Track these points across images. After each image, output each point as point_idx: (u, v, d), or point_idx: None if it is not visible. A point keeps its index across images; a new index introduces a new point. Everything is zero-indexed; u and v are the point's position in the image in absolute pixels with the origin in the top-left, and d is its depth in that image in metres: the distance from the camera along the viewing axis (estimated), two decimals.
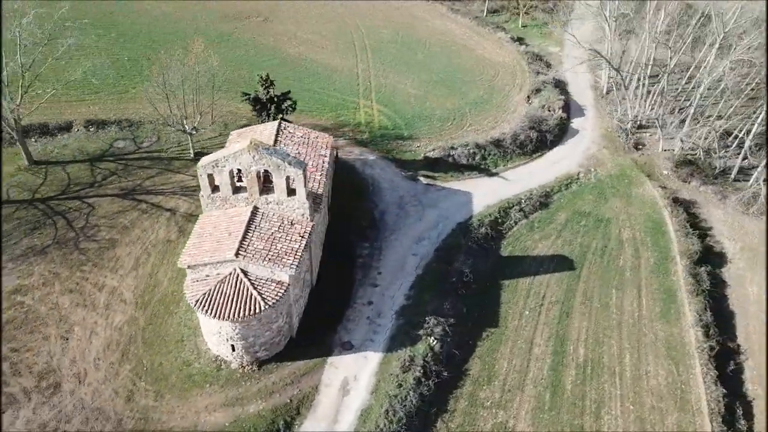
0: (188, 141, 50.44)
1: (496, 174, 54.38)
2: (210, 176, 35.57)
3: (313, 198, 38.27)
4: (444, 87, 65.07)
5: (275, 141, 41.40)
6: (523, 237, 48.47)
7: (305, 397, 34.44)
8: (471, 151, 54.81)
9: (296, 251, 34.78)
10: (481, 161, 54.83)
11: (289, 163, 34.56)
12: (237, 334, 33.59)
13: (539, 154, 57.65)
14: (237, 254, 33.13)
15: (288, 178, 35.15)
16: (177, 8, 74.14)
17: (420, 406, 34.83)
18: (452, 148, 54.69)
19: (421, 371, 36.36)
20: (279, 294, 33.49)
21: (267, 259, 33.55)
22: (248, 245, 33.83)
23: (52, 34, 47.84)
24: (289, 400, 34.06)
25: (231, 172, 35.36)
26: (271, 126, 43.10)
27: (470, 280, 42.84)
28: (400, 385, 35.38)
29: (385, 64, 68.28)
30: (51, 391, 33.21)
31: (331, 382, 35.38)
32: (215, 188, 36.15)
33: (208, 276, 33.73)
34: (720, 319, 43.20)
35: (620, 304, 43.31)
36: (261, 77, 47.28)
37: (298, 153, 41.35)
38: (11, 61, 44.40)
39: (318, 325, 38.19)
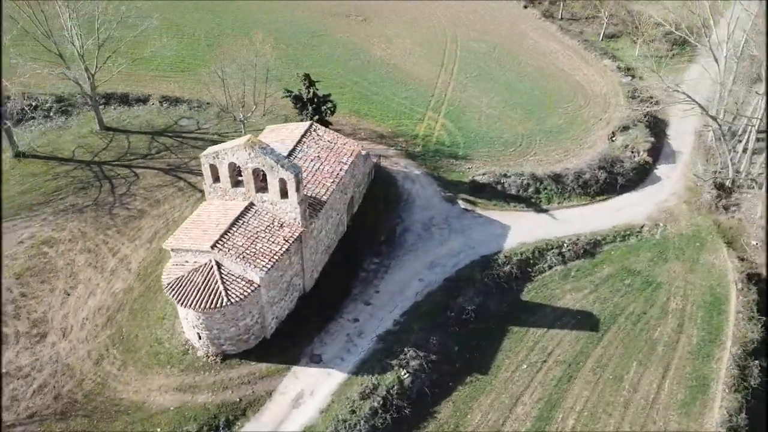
0: (242, 129, 52.10)
1: (545, 211, 50.39)
2: (212, 167, 36.34)
3: (312, 204, 37.80)
4: (522, 110, 61.45)
5: (299, 141, 41.41)
6: (553, 284, 44.51)
7: (256, 400, 34.24)
8: (524, 181, 51.24)
9: (274, 254, 34.57)
10: (533, 194, 51.05)
11: (282, 166, 34.35)
12: (201, 324, 34.16)
13: (604, 197, 52.53)
14: (213, 246, 33.59)
15: (282, 180, 34.93)
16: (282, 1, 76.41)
17: None
18: (504, 175, 51.48)
19: (381, 402, 34.69)
20: (246, 293, 33.51)
21: (241, 256, 33.68)
22: (228, 240, 34.17)
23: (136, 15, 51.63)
24: (238, 399, 34.06)
25: (231, 165, 35.86)
26: (302, 126, 43.22)
27: (470, 318, 40.14)
28: (354, 412, 34.01)
29: (469, 77, 65.88)
30: (37, 339, 35.96)
31: (287, 392, 34.86)
32: (217, 179, 36.89)
33: (186, 262, 34.58)
34: (757, 425, 36.75)
35: (637, 380, 38.35)
36: (301, 75, 47.53)
37: (318, 157, 41.07)
38: (90, 37, 48.30)
39: (296, 332, 37.79)
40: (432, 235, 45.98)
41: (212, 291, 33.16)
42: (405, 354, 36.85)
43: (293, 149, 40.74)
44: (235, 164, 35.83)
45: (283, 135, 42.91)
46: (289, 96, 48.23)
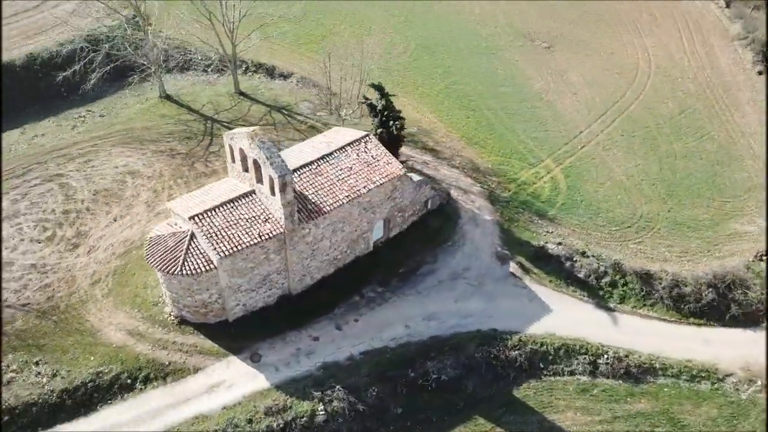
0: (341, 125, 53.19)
1: (609, 309, 42.20)
2: (230, 147, 38.14)
3: (310, 210, 37.35)
4: (663, 190, 51.51)
5: (341, 148, 40.93)
6: (562, 392, 37.61)
7: (181, 370, 35.65)
8: (602, 268, 43.45)
9: (241, 244, 35.22)
10: (606, 287, 43.04)
11: (272, 164, 34.54)
12: (163, 284, 36.60)
13: (699, 321, 41.97)
14: (191, 218, 35.53)
15: (270, 177, 35.20)
16: (485, 14, 73.85)
17: None
18: (582, 253, 44.28)
19: (281, 426, 33.46)
20: (200, 270, 34.87)
21: (209, 235, 35.05)
22: (208, 217, 35.72)
23: None
24: (167, 363, 35.85)
25: (241, 150, 37.20)
26: (356, 135, 42.50)
27: (430, 387, 35.99)
28: (250, 422, 33.47)
29: (625, 136, 57.14)
30: (70, 248, 42.10)
31: (211, 375, 35.59)
32: (234, 159, 38.63)
33: (175, 224, 37.19)
34: None
35: None
36: (372, 85, 46.26)
37: (350, 168, 40.17)
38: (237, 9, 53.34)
39: (257, 327, 38.09)
40: (454, 286, 41.83)
41: (173, 257, 35.17)
42: (333, 391, 34.66)
43: (329, 154, 40.43)
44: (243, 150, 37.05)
45: (333, 137, 42.82)
46: (365, 102, 47.54)
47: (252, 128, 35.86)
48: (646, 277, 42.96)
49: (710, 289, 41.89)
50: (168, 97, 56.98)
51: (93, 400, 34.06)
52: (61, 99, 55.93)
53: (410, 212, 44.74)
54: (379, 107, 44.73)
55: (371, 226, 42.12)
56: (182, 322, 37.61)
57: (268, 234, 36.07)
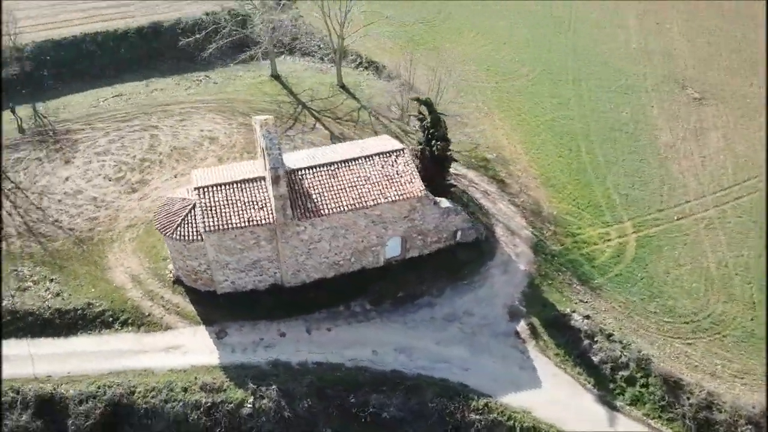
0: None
1: (611, 406, 36.17)
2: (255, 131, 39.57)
3: (306, 208, 37.40)
4: (763, 293, 42.27)
5: (368, 156, 40.18)
6: None
7: (154, 324, 38.20)
8: (624, 359, 37.44)
9: (227, 224, 36.53)
10: (621, 381, 36.96)
11: (268, 155, 35.24)
12: (164, 242, 39.48)
13: None
14: (196, 188, 37.75)
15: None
16: (641, 52, 66.18)
17: None
18: (608, 335, 38.58)
19: (208, 404, 34.43)
20: (189, 238, 36.98)
21: (203, 208, 36.92)
22: (212, 191, 37.58)
23: None
24: (147, 314, 38.71)
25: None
26: (393, 146, 41.31)
27: (364, 419, 34.28)
28: (185, 390, 34.92)
29: (745, 218, 47.72)
30: (130, 191, 47.12)
31: (175, 337, 37.58)
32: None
33: (189, 192, 39.78)
34: None
35: None
36: (418, 99, 43.78)
37: (368, 178, 39.26)
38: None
39: (239, 307, 39.22)
40: (445, 327, 38.96)
41: (172, 220, 37.71)
42: (268, 389, 34.64)
43: (354, 159, 39.94)
44: None
45: (371, 144, 42.18)
46: (415, 116, 45.42)
47: (266, 117, 36.69)
48: (674, 386, 35.90)
49: (750, 426, 33.55)
50: (277, 77, 60.39)
51: (77, 325, 38.06)
52: (190, 61, 61.83)
53: (434, 238, 42.37)
54: (426, 123, 42.67)
55: (382, 240, 40.75)
56: (177, 281, 40.15)
57: (257, 221, 36.82)
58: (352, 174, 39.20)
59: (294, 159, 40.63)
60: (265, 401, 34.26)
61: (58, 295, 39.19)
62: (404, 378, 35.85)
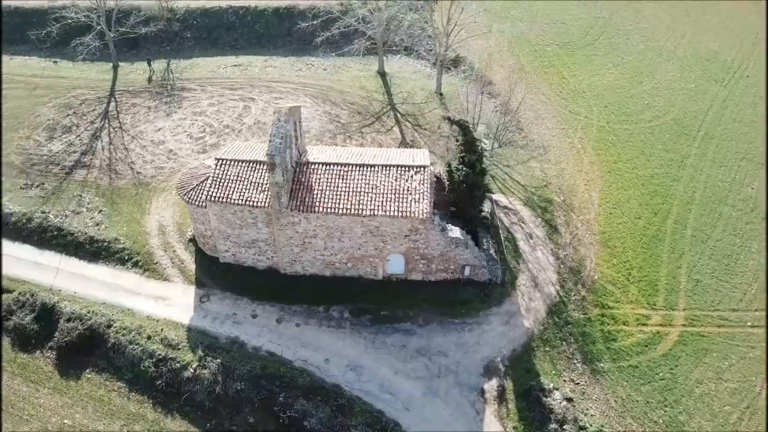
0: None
1: None
2: None
3: (301, 200, 37.68)
4: None
5: (386, 165, 38.96)
6: None
7: (157, 273, 41.58)
8: None
9: (227, 198, 38.20)
10: None
11: (270, 142, 36.07)
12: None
13: None
14: (216, 159, 40.08)
15: None
16: None
17: None
18: (583, 428, 33.27)
19: (160, 357, 36.74)
20: (197, 203, 39.48)
21: (215, 178, 39.05)
22: (227, 165, 39.42)
23: None
24: (156, 261, 42.18)
25: None
26: (420, 161, 39.38)
27: (282, 420, 33.94)
28: (149, 338, 37.63)
29: None
30: (195, 146, 51.50)
31: (166, 289, 40.49)
32: None
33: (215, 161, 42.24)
34: None
35: None
36: (449, 119, 40.33)
37: (375, 187, 38.16)
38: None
39: (233, 279, 40.94)
40: (411, 360, 36.65)
41: (188, 183, 40.50)
42: (213, 361, 35.90)
43: (372, 165, 38.98)
44: None
45: (400, 155, 40.72)
46: (455, 139, 41.79)
47: (288, 105, 37.40)
48: None
49: None
50: (383, 75, 60.86)
51: (99, 255, 42.87)
52: (310, 45, 64.40)
53: (440, 266, 39.93)
54: (459, 143, 39.91)
55: (380, 254, 39.46)
56: (192, 241, 43.09)
57: (253, 202, 37.94)
58: (361, 180, 38.37)
59: (318, 152, 40.95)
60: (205, 372, 35.49)
61: (97, 224, 44.36)
62: (340, 395, 34.57)
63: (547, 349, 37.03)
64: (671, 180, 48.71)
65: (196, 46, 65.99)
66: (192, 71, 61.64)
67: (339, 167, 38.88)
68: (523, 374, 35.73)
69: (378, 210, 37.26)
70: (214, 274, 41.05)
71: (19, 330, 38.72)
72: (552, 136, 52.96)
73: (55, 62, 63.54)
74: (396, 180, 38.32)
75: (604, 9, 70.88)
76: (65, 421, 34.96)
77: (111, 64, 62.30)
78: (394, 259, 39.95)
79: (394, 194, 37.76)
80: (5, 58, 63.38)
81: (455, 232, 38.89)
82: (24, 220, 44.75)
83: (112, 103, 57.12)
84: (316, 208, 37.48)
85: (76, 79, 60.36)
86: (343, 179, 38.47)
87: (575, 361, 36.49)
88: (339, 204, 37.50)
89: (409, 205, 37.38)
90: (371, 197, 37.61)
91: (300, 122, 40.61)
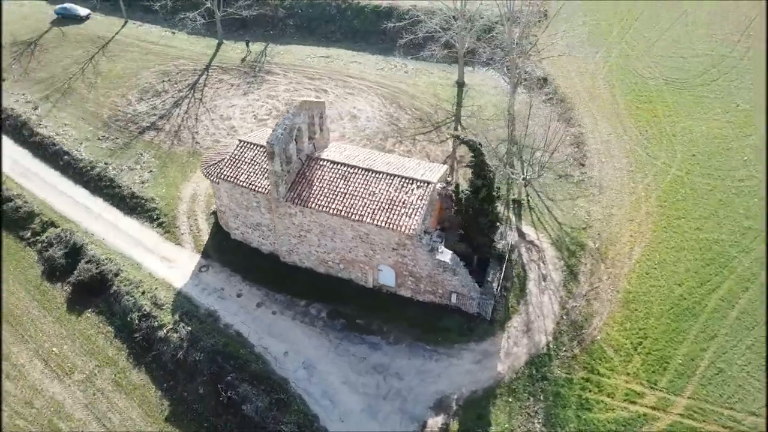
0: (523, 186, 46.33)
1: None
2: None
3: (298, 193, 38.26)
4: None
5: (394, 176, 38.16)
6: None
7: (174, 236, 44.56)
8: None
9: (237, 180, 39.87)
10: None
11: (273, 131, 36.99)
12: None
13: None
14: (239, 140, 41.97)
15: None
16: None
17: None
18: None
19: (144, 313, 39.48)
20: (213, 178, 41.72)
21: (231, 158, 41.00)
22: (248, 149, 41.06)
23: None
24: (177, 226, 45.18)
25: None
26: (428, 176, 38.08)
27: (222, 399, 34.92)
28: (143, 293, 40.58)
29: None
30: (250, 125, 53.99)
31: (177, 254, 43.34)
32: None
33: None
34: None
35: None
36: (456, 136, 37.58)
37: (373, 193, 37.63)
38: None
39: (238, 258, 42.62)
40: (365, 374, 35.71)
41: (212, 158, 42.84)
42: (184, 328, 37.81)
43: (378, 172, 38.29)
44: None
45: (414, 167, 39.58)
46: (464, 141, 38.67)
47: (302, 99, 38.08)
48: None
49: None
50: (460, 85, 59.37)
51: (135, 210, 46.88)
52: (402, 46, 64.34)
53: (428, 287, 38.42)
54: (471, 163, 37.67)
55: (370, 262, 38.86)
56: (214, 213, 45.53)
57: (255, 187, 39.19)
58: (363, 184, 37.97)
59: (337, 150, 41.20)
60: (175, 336, 37.53)
61: (143, 182, 48.45)
62: (284, 390, 34.72)
63: (510, 399, 34.06)
64: (738, 251, 42.02)
65: (296, 33, 68.90)
66: (283, 57, 64.54)
67: (345, 168, 38.76)
68: (473, 419, 33.26)
69: (367, 217, 36.62)
70: (222, 249, 42.98)
71: (51, 261, 43.54)
72: (615, 177, 48.14)
73: (173, 33, 69.86)
74: (396, 190, 37.36)
75: (737, 48, 62.59)
76: (54, 349, 38.82)
77: (216, 41, 67.10)
78: (386, 270, 39.05)
79: (389, 204, 36.84)
80: (133, 24, 70.96)
81: (445, 255, 37.00)
82: (88, 167, 50.11)
83: (204, 76, 61.57)
84: (310, 204, 37.74)
85: (183, 50, 65.94)
86: (345, 180, 38.29)
87: (535, 422, 33.17)
88: (332, 204, 37.42)
89: (399, 217, 36.28)
90: (365, 203, 37.05)
91: (322, 117, 41.02)
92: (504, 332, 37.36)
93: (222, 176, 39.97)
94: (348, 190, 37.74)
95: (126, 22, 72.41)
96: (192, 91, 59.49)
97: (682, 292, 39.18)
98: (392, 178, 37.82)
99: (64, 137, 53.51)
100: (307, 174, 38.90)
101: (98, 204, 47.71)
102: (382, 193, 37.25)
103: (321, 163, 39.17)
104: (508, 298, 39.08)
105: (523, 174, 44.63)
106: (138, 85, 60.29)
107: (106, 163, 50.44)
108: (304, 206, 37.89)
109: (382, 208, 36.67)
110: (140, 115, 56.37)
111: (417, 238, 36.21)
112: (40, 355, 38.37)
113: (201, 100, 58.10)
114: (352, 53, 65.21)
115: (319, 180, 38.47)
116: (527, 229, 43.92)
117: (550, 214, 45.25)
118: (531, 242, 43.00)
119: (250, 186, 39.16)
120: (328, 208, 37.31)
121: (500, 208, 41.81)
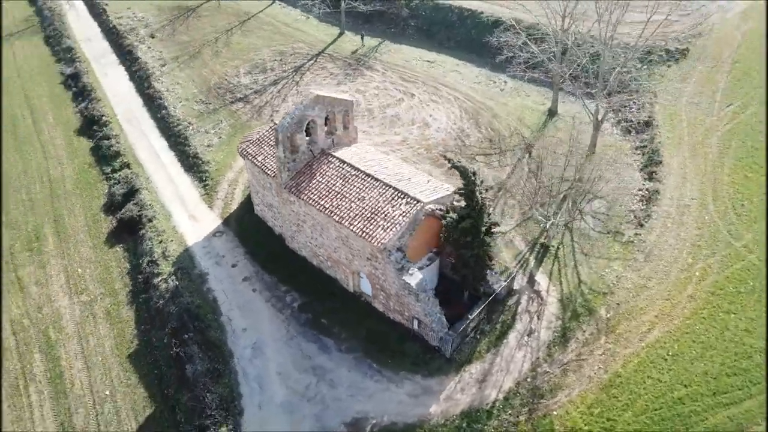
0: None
1: None
2: None
3: (297, 184, 39.24)
4: None
5: (389, 186, 37.36)
6: None
7: (210, 200, 48.18)
8: None
9: (255, 159, 41.94)
10: None
11: (282, 118, 38.32)
12: None
13: None
14: (273, 122, 44.00)
15: None
16: None
17: None
18: None
19: (153, 259, 43.56)
20: (244, 153, 44.34)
21: (258, 138, 43.16)
22: (265, 135, 43.09)
23: None
24: (216, 191, 48.82)
25: None
26: (422, 196, 36.64)
27: (172, 351, 37.44)
28: (149, 252, 44.76)
29: None
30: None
31: (206, 215, 46.76)
32: None
33: None
34: None
35: None
36: (449, 160, 34.50)
37: (363, 198, 37.16)
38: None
39: (251, 231, 45.12)
40: (302, 372, 35.75)
41: (249, 139, 45.07)
42: (174, 283, 41.04)
43: (376, 179, 37.73)
44: None
45: (418, 182, 38.31)
46: (455, 166, 35.49)
47: (317, 93, 38.81)
48: None
49: None
50: (551, 113, 55.51)
51: (191, 168, 51.66)
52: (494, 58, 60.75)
53: (396, 306, 37.24)
54: (463, 192, 35.22)
55: (350, 265, 38.68)
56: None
57: (264, 168, 40.91)
58: (359, 188, 37.67)
59: (356, 150, 41.36)
60: (164, 287, 40.84)
61: (208, 146, 52.92)
62: (226, 363, 36.20)
63: None
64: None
65: (414, 35, 69.31)
66: (391, 55, 65.42)
67: (348, 168, 38.75)
68: None
69: (346, 221, 36.35)
70: (241, 220, 45.58)
71: (112, 197, 49.61)
72: (674, 249, 41.68)
73: (307, 17, 74.28)
74: (385, 201, 36.53)
75: None
76: (78, 269, 44.46)
77: (338, 30, 70.12)
78: (365, 278, 38.51)
79: (371, 213, 36.18)
80: (278, 4, 76.77)
81: (413, 278, 35.37)
82: (175, 123, 55.96)
83: (312, 61, 64.82)
84: (303, 196, 38.41)
85: (306, 34, 69.97)
86: (344, 180, 38.32)
87: None
88: (321, 200, 37.72)
89: (375, 228, 35.48)
90: (350, 207, 36.78)
91: (348, 115, 41.23)
92: (457, 375, 34.81)
93: (244, 153, 42.21)
94: (342, 190, 37.66)
95: (273, 2, 78.46)
96: (295, 73, 62.94)
97: (684, 395, 33.14)
98: (386, 188, 36.93)
99: (171, 93, 60.12)
100: (314, 167, 39.50)
101: (169, 157, 53.06)
102: (371, 201, 36.60)
103: (329, 159, 39.52)
104: (479, 342, 36.20)
105: (553, 219, 40.71)
106: (252, 60, 65.33)
107: (190, 123, 55.77)
108: (297, 197, 38.63)
109: (363, 216, 36.08)
110: (240, 86, 61.15)
111: (386, 253, 35.07)
112: (67, 272, 44.16)
113: (297, 83, 61.23)
114: (457, 62, 63.93)
115: (321, 175, 38.89)
116: (540, 277, 40.09)
117: (575, 268, 40.76)
118: (537, 292, 39.24)
119: (263, 166, 40.85)
120: (316, 204, 37.64)
121: (498, 243, 38.75)
